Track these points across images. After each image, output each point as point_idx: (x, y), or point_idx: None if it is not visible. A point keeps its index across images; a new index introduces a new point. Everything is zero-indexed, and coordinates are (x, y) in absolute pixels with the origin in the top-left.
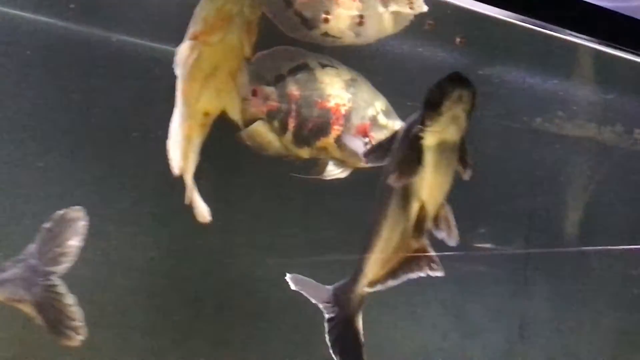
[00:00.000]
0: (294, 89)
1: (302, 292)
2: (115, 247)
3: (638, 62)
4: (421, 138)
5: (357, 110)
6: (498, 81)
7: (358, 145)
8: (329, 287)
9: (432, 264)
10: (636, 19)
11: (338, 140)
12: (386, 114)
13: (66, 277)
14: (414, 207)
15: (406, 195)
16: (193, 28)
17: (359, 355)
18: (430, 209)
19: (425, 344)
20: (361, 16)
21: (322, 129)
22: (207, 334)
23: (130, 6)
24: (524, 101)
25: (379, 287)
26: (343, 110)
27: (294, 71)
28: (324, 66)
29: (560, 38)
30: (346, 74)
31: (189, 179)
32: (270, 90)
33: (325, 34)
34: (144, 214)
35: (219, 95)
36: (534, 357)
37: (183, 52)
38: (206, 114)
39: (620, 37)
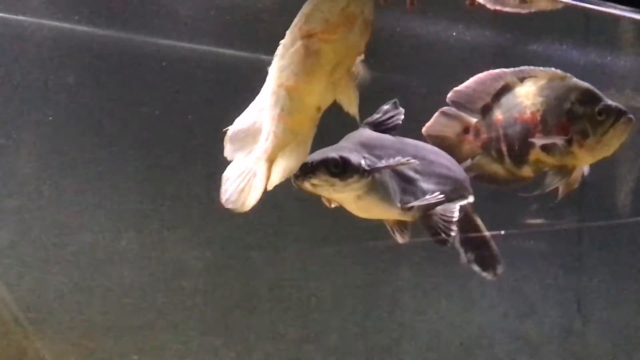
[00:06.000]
0: (498, 114)
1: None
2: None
3: None
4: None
5: (551, 111)
6: (541, 58)
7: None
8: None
9: None
10: None
11: (544, 148)
12: (582, 101)
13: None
14: None
15: None
16: (306, 26)
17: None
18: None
19: (483, 326)
20: None
21: (528, 142)
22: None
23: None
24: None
25: None
26: (538, 116)
27: (497, 96)
28: (522, 80)
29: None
30: (542, 78)
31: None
32: (480, 124)
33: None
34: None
35: (334, 90)
36: (594, 332)
37: (299, 50)
38: (318, 109)
39: None
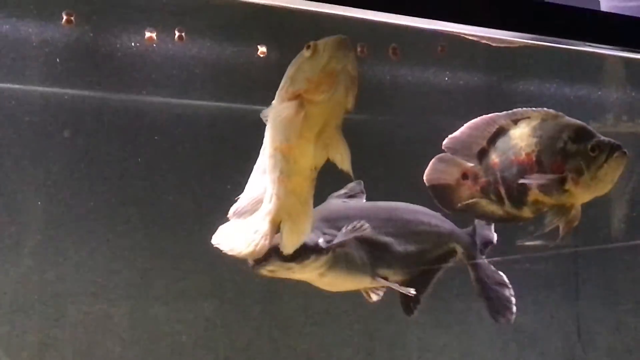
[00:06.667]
0: (494, 158)
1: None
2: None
3: None
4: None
5: (545, 151)
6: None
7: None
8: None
9: None
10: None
11: (541, 188)
12: (575, 138)
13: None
14: None
15: None
16: (292, 88)
17: None
18: None
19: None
20: None
21: (524, 184)
22: None
23: None
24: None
25: None
26: (534, 157)
27: (492, 140)
28: (516, 122)
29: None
30: (535, 119)
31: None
32: (477, 169)
33: None
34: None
35: (326, 149)
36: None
37: (286, 113)
38: (313, 169)
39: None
